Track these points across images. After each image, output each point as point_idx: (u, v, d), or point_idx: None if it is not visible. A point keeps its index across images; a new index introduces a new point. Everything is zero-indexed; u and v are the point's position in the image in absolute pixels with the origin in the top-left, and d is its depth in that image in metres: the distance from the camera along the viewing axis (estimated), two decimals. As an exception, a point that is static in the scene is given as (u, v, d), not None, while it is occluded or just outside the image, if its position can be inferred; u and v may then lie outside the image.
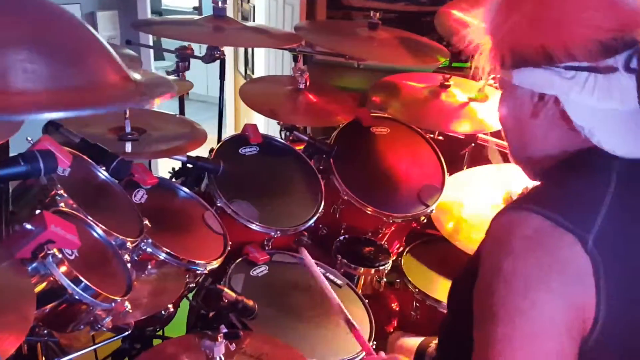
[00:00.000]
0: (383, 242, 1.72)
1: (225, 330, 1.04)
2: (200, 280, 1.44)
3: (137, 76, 0.68)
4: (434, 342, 1.22)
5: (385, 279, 1.64)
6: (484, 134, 1.81)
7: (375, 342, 1.38)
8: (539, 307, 0.70)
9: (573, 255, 0.71)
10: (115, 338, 1.16)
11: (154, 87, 0.72)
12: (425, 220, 1.74)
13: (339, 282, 1.53)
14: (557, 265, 0.71)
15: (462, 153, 1.89)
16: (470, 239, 1.55)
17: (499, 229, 0.78)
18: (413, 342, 1.32)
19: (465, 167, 1.92)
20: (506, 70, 0.83)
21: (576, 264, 0.71)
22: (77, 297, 0.87)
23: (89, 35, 0.66)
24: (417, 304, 1.62)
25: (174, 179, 1.66)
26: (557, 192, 0.80)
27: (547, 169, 0.86)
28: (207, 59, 1.81)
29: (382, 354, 1.14)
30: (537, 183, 0.89)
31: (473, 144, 1.86)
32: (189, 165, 1.56)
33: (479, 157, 1.86)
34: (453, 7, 1.86)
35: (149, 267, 1.28)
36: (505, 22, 0.80)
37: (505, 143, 0.95)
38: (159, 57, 4.96)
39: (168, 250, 1.25)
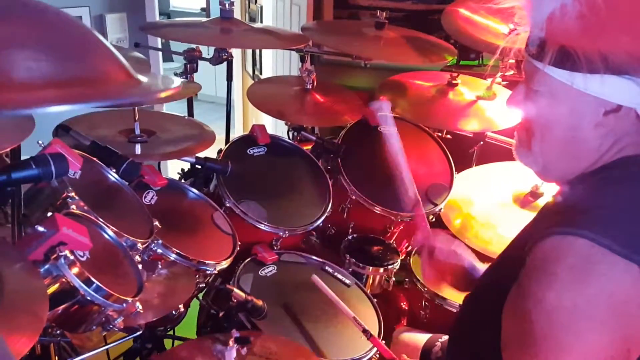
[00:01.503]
0: (391, 241, 1.72)
1: (236, 334, 1.04)
2: (209, 280, 1.45)
3: (140, 76, 0.69)
4: (439, 341, 1.22)
5: (394, 278, 1.64)
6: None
7: (384, 341, 1.38)
8: (583, 340, 0.67)
9: (625, 283, 0.67)
10: (127, 338, 1.17)
11: (156, 82, 0.73)
12: (433, 220, 1.73)
13: (347, 281, 1.53)
14: (605, 295, 0.67)
15: (471, 151, 1.88)
16: (478, 237, 1.54)
17: (542, 256, 0.72)
18: (417, 338, 1.31)
19: (474, 165, 1.91)
20: (576, 72, 0.73)
21: (628, 292, 0.67)
22: (89, 298, 0.88)
23: (90, 35, 0.67)
24: (426, 303, 1.62)
25: (183, 180, 1.67)
26: (606, 209, 0.73)
27: (580, 177, 0.80)
28: (215, 60, 1.82)
29: (405, 357, 1.14)
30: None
31: (482, 142, 1.85)
32: (198, 166, 1.57)
33: (488, 155, 1.85)
34: (460, 6, 1.86)
35: (159, 266, 1.30)
36: (586, 21, 0.70)
37: (511, 140, 0.92)
38: (167, 58, 4.99)
39: (178, 251, 1.26)
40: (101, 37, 0.69)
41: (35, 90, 0.56)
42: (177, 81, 0.79)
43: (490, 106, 1.78)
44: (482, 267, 1.13)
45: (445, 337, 1.27)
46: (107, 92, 0.63)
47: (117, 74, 0.66)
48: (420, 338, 1.32)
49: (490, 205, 1.64)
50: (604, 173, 0.78)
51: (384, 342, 1.37)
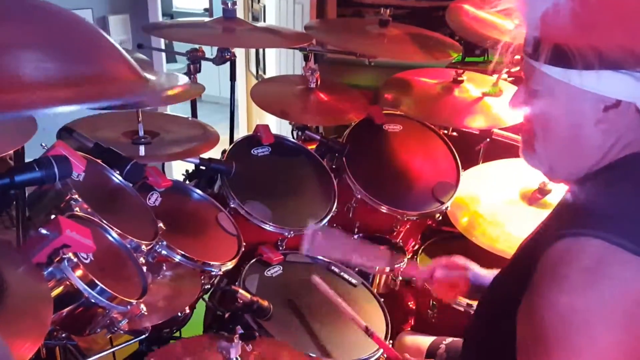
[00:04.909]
0: (398, 240, 1.71)
1: (241, 331, 1.04)
2: (215, 281, 1.44)
3: (148, 75, 0.68)
4: (444, 343, 1.21)
5: (401, 278, 1.63)
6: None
7: (391, 341, 1.37)
8: (597, 343, 0.66)
9: (638, 283, 0.66)
10: (133, 341, 1.17)
11: (162, 80, 0.72)
12: (440, 218, 1.72)
13: (354, 281, 1.52)
14: (618, 297, 0.66)
15: (477, 148, 1.87)
16: (485, 234, 1.53)
17: (555, 258, 0.71)
18: (421, 340, 1.31)
19: (480, 162, 1.90)
20: (571, 69, 0.72)
21: None
22: (93, 300, 0.88)
23: (97, 34, 0.67)
24: (434, 302, 1.60)
25: (187, 181, 1.67)
26: (616, 208, 0.72)
27: (588, 175, 0.79)
28: (218, 60, 1.82)
29: (407, 355, 1.13)
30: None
31: (488, 139, 1.84)
32: (202, 167, 1.56)
33: (495, 152, 1.84)
34: (465, 2, 1.84)
35: (164, 268, 1.29)
36: (578, 18, 0.70)
37: (518, 137, 0.91)
38: (170, 59, 5.00)
39: (183, 252, 1.26)
40: (108, 37, 0.68)
41: (43, 90, 0.55)
42: (183, 78, 0.79)
43: (496, 103, 1.76)
44: (484, 272, 1.14)
45: (450, 339, 1.26)
46: (116, 90, 0.63)
47: (125, 73, 0.66)
48: (424, 340, 1.31)
49: (498, 203, 1.62)
50: (612, 171, 0.77)
51: (390, 342, 1.36)
